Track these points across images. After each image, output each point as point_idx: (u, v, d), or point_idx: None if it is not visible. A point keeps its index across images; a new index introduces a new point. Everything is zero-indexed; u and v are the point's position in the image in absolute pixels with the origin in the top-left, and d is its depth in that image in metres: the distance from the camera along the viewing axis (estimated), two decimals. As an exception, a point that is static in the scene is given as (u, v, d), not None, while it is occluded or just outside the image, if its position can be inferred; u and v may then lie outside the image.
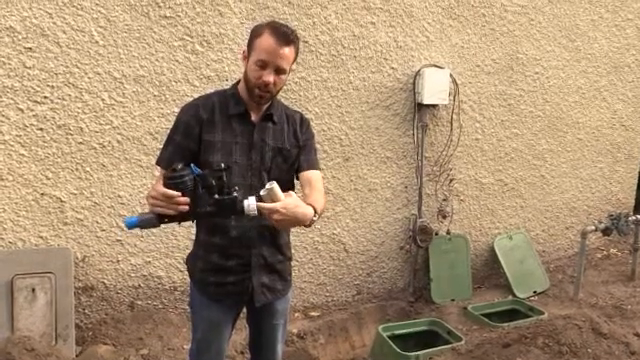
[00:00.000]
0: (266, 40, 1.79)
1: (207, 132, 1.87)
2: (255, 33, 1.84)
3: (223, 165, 1.71)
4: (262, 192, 1.71)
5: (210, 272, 1.95)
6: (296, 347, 3.39)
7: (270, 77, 1.80)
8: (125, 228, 1.75)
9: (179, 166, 1.69)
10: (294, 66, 1.97)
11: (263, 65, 1.79)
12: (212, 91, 2.02)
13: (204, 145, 1.86)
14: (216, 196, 1.71)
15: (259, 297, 1.97)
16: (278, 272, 2.02)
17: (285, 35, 1.80)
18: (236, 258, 1.92)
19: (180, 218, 1.72)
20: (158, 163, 1.92)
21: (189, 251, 2.09)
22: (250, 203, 1.69)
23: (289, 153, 1.95)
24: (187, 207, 1.66)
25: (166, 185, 1.67)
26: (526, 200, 4.47)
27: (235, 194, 1.71)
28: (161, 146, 1.85)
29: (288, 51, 1.81)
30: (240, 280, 1.94)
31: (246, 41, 1.90)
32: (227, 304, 2.00)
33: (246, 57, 1.87)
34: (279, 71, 1.82)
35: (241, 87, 1.92)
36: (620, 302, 3.85)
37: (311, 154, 2.02)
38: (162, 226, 3.14)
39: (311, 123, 2.11)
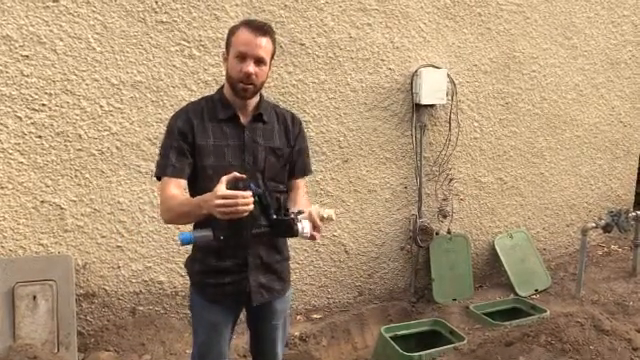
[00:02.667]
0: (242, 34, 1.83)
1: (199, 137, 1.88)
2: (231, 32, 1.89)
3: (282, 187, 1.74)
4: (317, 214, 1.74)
5: (208, 274, 1.97)
6: (298, 350, 3.39)
7: (250, 67, 1.82)
8: (179, 244, 1.73)
9: (241, 184, 1.67)
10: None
11: (242, 57, 1.83)
12: (199, 98, 2.05)
13: (197, 150, 1.88)
14: (274, 216, 1.71)
15: (256, 297, 1.98)
16: (276, 272, 2.03)
17: (260, 26, 1.85)
18: (233, 259, 1.94)
19: (235, 237, 1.72)
20: (163, 173, 1.86)
21: (189, 255, 2.09)
22: (305, 226, 1.73)
23: (281, 152, 1.98)
24: (252, 207, 1.63)
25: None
26: (526, 198, 4.47)
27: (292, 215, 1.72)
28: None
29: (265, 42, 1.84)
30: (237, 280, 1.95)
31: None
32: (226, 305, 2.01)
33: (226, 58, 1.90)
34: (259, 62, 1.84)
35: (226, 90, 1.94)
36: (622, 299, 3.84)
37: (303, 159, 2.05)
38: (163, 231, 3.14)
39: (307, 125, 2.12)
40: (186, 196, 1.86)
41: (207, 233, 1.68)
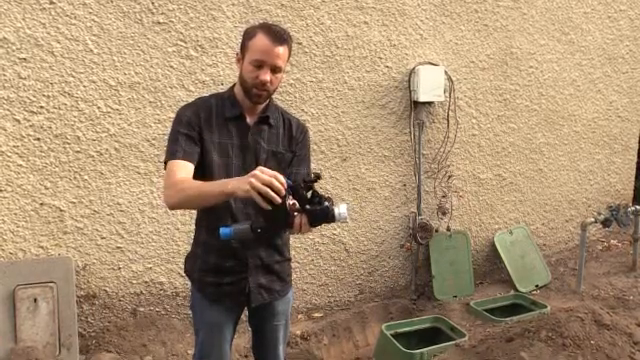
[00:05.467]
0: (260, 40, 1.81)
1: (205, 132, 1.88)
2: (248, 35, 1.86)
3: (313, 176, 1.70)
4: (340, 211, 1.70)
5: (208, 272, 1.97)
6: (300, 348, 3.40)
7: (267, 76, 1.82)
8: (220, 237, 1.68)
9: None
10: (288, 67, 1.97)
11: (259, 65, 1.82)
12: (209, 94, 2.03)
13: (203, 144, 1.88)
14: (307, 206, 1.69)
15: (255, 297, 1.98)
16: (276, 273, 2.03)
17: (279, 34, 1.83)
18: (233, 259, 1.94)
19: (273, 228, 1.70)
20: (173, 158, 1.83)
21: (188, 253, 2.09)
22: (341, 212, 1.69)
23: (282, 157, 1.97)
24: (279, 199, 1.59)
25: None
26: (525, 194, 4.47)
27: (326, 203, 1.70)
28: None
29: (282, 50, 1.83)
30: (237, 281, 1.95)
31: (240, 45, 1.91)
32: (226, 305, 2.01)
33: (240, 60, 1.88)
34: (275, 70, 1.84)
35: (237, 90, 1.94)
36: (622, 293, 3.85)
37: (302, 167, 2.02)
38: (163, 232, 3.13)
39: (305, 124, 2.11)
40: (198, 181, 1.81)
41: (245, 226, 1.67)
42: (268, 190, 1.56)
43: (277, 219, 1.65)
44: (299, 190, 1.68)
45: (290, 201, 1.65)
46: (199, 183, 1.76)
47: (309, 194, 1.71)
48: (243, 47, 1.87)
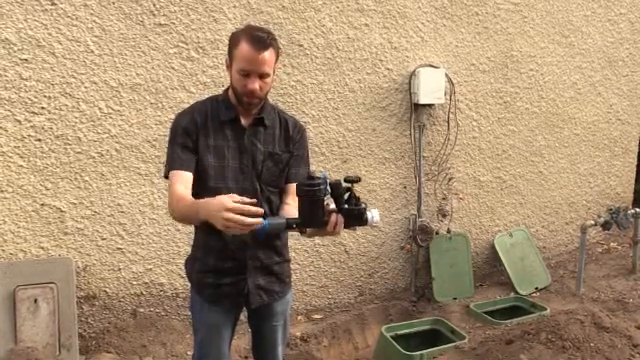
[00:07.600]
0: (244, 49, 1.79)
1: (202, 136, 1.90)
2: (233, 42, 1.85)
3: (354, 177, 1.72)
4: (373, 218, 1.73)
5: (207, 273, 1.97)
6: (300, 350, 3.40)
7: (255, 84, 1.82)
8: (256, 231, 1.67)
9: (316, 173, 1.67)
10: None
11: (246, 74, 1.81)
12: (205, 97, 2.04)
13: (200, 149, 1.89)
14: (345, 206, 1.71)
15: (254, 298, 1.99)
16: (275, 274, 2.03)
17: (262, 40, 1.80)
18: (232, 260, 1.94)
19: (308, 224, 1.71)
20: (171, 168, 1.87)
21: (188, 255, 2.10)
22: (374, 215, 1.73)
23: (279, 158, 1.97)
24: (258, 221, 1.59)
25: (300, 192, 1.66)
26: (525, 197, 4.48)
27: (363, 205, 1.72)
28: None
29: (268, 55, 1.81)
30: (235, 282, 1.96)
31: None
32: (225, 306, 2.02)
33: (229, 66, 1.88)
34: (263, 76, 1.84)
35: (231, 93, 1.94)
36: (622, 296, 3.85)
37: (301, 167, 2.02)
38: (163, 233, 3.12)
39: (306, 126, 2.11)
40: (191, 198, 1.83)
41: (281, 221, 1.69)
42: (244, 225, 1.57)
43: (313, 217, 1.67)
44: (338, 189, 1.70)
45: (331, 205, 1.67)
46: (186, 204, 1.79)
47: (346, 195, 1.73)
48: (230, 54, 1.87)
